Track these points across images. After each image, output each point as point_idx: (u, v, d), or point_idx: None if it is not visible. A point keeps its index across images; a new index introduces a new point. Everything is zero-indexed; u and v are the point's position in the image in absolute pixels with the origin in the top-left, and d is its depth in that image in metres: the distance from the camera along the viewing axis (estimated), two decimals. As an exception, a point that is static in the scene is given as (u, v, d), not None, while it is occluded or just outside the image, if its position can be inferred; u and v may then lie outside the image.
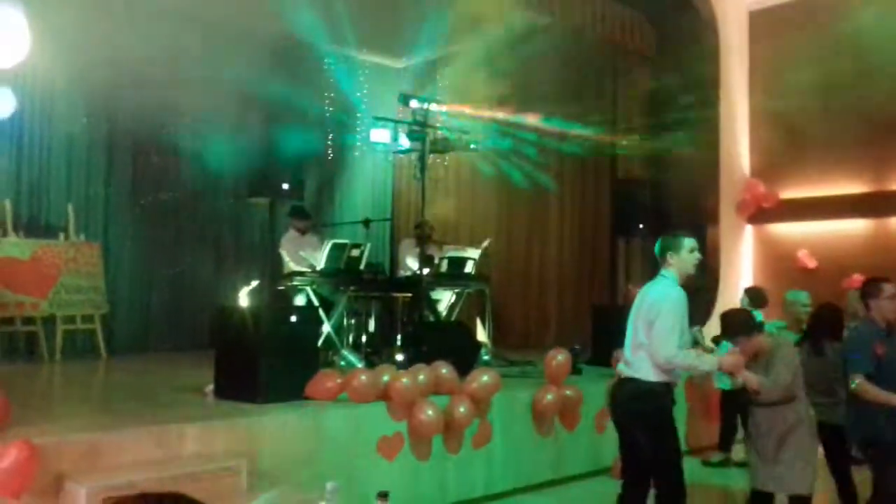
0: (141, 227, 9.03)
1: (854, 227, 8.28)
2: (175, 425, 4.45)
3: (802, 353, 4.83)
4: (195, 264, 9.38)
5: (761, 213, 8.92)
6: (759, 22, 9.09)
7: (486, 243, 8.23)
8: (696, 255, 4.51)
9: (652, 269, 8.98)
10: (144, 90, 8.45)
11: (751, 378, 4.32)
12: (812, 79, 8.27)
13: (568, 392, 6.21)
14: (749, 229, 9.09)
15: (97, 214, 8.80)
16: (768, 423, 4.39)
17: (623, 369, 4.44)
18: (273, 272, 7.83)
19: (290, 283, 7.46)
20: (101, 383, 6.99)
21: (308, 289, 7.34)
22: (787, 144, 8.74)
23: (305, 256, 7.57)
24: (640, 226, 8.34)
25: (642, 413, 4.34)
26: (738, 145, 9.05)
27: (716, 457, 7.01)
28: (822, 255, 8.44)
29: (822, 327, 5.12)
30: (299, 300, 7.48)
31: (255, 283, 7.12)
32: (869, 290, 4.59)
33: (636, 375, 4.33)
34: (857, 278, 7.97)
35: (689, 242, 4.48)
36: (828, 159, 8.38)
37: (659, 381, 4.29)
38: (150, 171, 9.14)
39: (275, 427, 4.77)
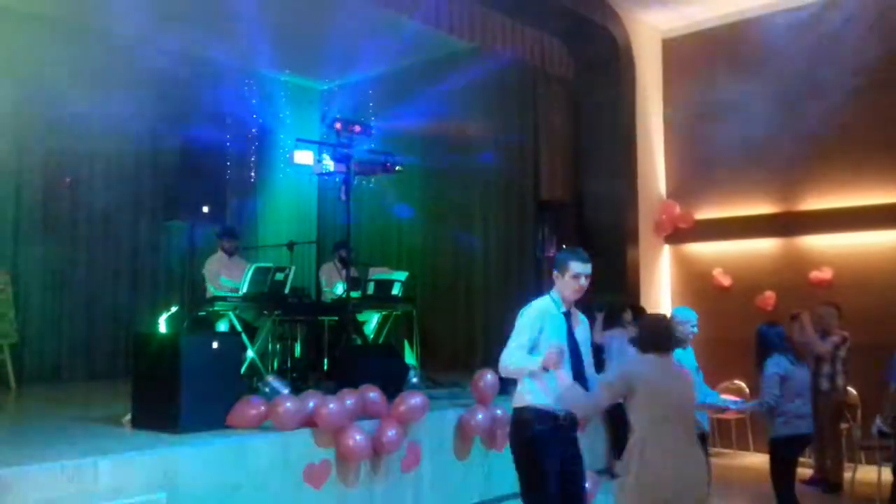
0: (53, 253, 8.64)
1: (765, 246, 8.63)
2: (89, 458, 4.25)
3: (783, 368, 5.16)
4: (111, 290, 9.06)
5: (678, 234, 9.21)
6: (672, 49, 9.45)
7: (403, 277, 8.19)
8: (581, 282, 3.85)
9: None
10: (56, 112, 8.20)
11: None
12: (723, 104, 8.65)
13: (496, 412, 6.23)
14: (667, 249, 9.36)
15: (5, 240, 8.41)
16: None
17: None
18: (193, 297, 7.62)
19: (211, 309, 7.27)
20: (11, 416, 6.66)
21: (230, 314, 7.18)
22: (700, 167, 9.09)
23: (225, 282, 7.40)
24: (564, 246, 8.48)
25: (511, 445, 3.97)
26: (655, 168, 9.34)
27: None
28: (736, 273, 8.75)
29: (770, 345, 5.32)
30: (222, 326, 7.30)
31: (174, 309, 6.92)
32: None
33: (512, 403, 3.98)
34: (769, 295, 8.31)
35: (574, 266, 3.85)
36: (739, 181, 8.73)
37: (524, 407, 3.85)
38: (61, 195, 8.80)
39: (195, 457, 4.61)
